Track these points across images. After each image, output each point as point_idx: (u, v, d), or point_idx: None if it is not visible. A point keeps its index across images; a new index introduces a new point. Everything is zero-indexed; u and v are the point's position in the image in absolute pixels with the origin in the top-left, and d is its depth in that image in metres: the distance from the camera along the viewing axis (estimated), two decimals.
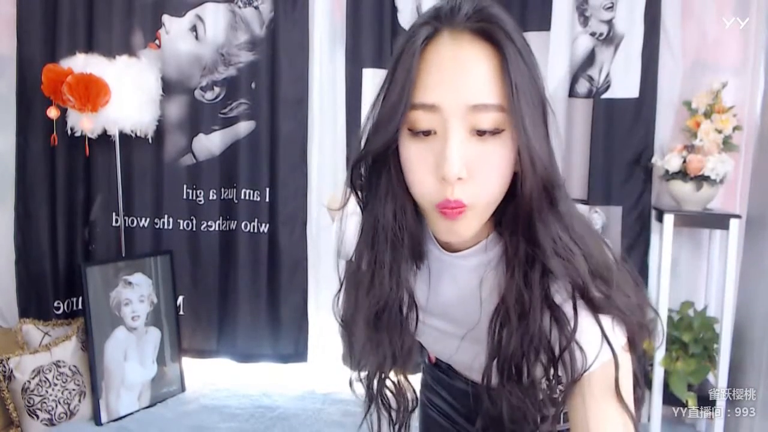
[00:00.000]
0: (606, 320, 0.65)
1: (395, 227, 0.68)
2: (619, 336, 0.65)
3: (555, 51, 2.27)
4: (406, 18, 2.45)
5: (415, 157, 0.63)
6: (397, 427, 0.75)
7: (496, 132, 0.61)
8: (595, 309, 0.64)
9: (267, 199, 2.63)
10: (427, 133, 0.62)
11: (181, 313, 2.69)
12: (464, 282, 0.74)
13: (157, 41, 2.58)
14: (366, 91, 2.49)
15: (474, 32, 0.61)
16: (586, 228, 0.71)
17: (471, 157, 0.60)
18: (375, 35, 2.47)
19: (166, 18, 2.58)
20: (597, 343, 0.64)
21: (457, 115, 0.60)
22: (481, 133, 0.61)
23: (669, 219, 2.15)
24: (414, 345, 0.73)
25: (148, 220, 2.68)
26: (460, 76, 0.60)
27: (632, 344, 0.67)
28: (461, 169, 0.59)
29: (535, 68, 0.63)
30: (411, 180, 0.65)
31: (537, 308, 0.65)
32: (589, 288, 0.64)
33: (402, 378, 0.73)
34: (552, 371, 0.67)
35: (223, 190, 2.67)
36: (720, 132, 2.11)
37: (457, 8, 0.62)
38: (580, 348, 0.64)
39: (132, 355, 2.43)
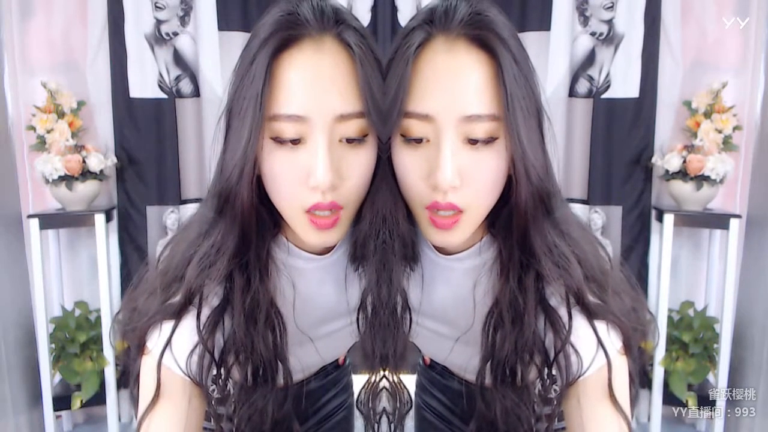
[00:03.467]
0: (601, 325, 0.65)
1: (385, 231, 0.67)
2: (614, 340, 0.66)
3: (555, 51, 2.27)
4: (405, 18, 2.44)
5: (408, 164, 0.62)
6: (392, 427, 0.75)
7: (489, 140, 0.60)
8: (591, 314, 0.65)
9: None
10: (419, 140, 0.61)
11: None
12: (458, 284, 0.74)
13: None
14: None
15: (469, 39, 0.60)
16: (582, 231, 0.71)
17: (464, 165, 0.60)
18: (374, 35, 2.47)
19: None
20: (592, 347, 0.65)
21: (451, 125, 0.59)
22: (474, 141, 0.60)
23: (669, 219, 2.15)
24: (408, 347, 0.73)
25: None
26: (454, 86, 0.59)
27: (628, 347, 0.67)
28: (454, 178, 0.59)
29: (531, 74, 0.62)
30: (403, 186, 0.64)
31: (531, 312, 0.65)
32: (584, 294, 0.64)
33: (397, 379, 0.73)
34: (546, 372, 0.67)
35: None
36: (720, 132, 2.11)
37: (452, 11, 0.60)
38: (576, 352, 0.65)
39: None
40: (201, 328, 0.66)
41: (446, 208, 0.61)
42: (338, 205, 0.62)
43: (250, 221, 0.64)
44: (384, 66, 0.63)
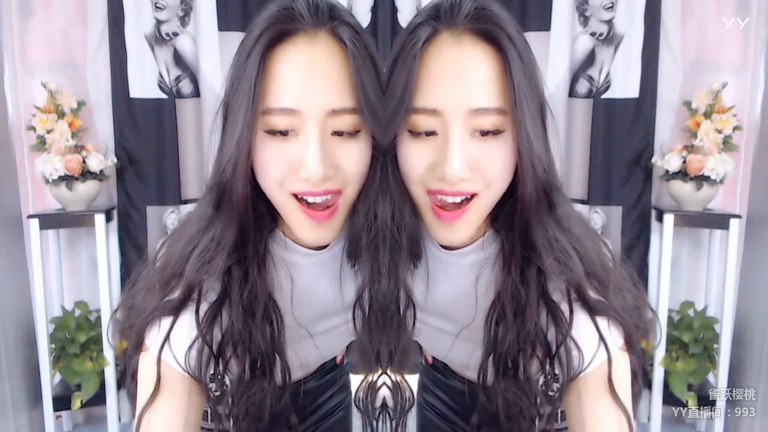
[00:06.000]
0: (602, 321, 0.65)
1: (393, 228, 0.67)
2: (615, 336, 0.66)
3: (555, 51, 2.27)
4: (406, 18, 2.44)
5: (415, 158, 0.63)
6: (393, 426, 0.75)
7: (496, 132, 0.61)
8: (592, 310, 0.65)
9: None
10: (427, 134, 0.61)
11: None
12: (461, 279, 0.74)
13: None
14: None
15: (475, 33, 0.60)
16: (584, 229, 0.71)
17: (472, 157, 0.60)
18: (374, 35, 2.47)
19: None
20: (593, 343, 0.65)
21: (458, 119, 0.59)
22: (482, 133, 0.60)
23: (669, 219, 2.15)
24: (411, 344, 0.73)
25: None
26: (460, 80, 0.59)
27: (629, 344, 0.67)
28: (463, 171, 0.59)
29: (534, 69, 0.63)
30: (408, 178, 0.64)
31: (533, 305, 0.65)
32: (584, 289, 0.64)
33: (399, 377, 0.72)
34: (548, 367, 0.67)
35: None
36: (720, 132, 2.11)
37: (457, 7, 0.61)
38: (577, 347, 0.65)
39: None
40: (200, 322, 0.66)
41: (454, 195, 0.61)
42: (333, 189, 0.62)
43: (247, 214, 0.64)
44: (379, 63, 0.63)
